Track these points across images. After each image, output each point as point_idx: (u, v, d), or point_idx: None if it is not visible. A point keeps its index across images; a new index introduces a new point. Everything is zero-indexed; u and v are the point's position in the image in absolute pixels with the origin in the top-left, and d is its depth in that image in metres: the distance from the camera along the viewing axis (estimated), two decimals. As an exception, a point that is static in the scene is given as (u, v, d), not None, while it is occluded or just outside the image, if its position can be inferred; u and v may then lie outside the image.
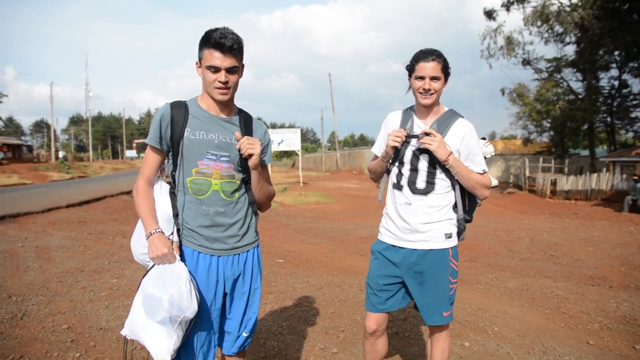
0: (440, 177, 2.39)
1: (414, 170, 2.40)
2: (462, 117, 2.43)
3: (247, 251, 2.22)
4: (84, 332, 3.95)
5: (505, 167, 35.75)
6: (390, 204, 2.53)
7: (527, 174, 25.67)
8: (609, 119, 29.70)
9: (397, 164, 2.47)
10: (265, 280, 5.71)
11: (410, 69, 2.37)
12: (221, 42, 1.93)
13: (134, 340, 2.04)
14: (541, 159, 26.98)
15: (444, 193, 2.41)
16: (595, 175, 21.00)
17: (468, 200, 2.51)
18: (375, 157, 2.63)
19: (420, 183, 2.40)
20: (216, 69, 1.97)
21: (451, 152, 2.29)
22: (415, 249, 2.41)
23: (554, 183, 22.09)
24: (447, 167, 2.32)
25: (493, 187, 2.56)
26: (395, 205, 2.48)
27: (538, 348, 3.78)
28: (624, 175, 20.47)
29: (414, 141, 2.37)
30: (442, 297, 2.43)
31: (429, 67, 2.27)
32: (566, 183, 21.46)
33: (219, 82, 1.98)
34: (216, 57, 1.95)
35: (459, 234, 2.51)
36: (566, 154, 30.04)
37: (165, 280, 1.94)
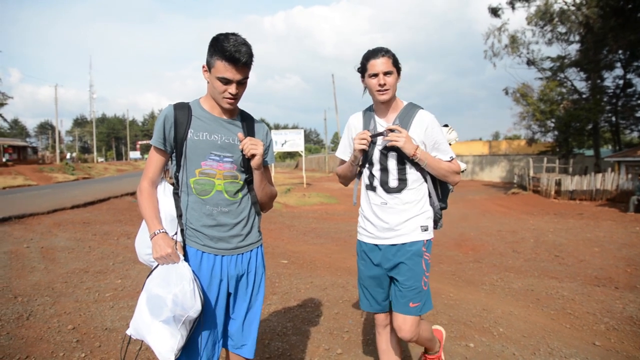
0: (411, 172, 2.43)
1: (384, 169, 2.43)
2: (422, 108, 2.46)
3: (251, 251, 2.23)
4: (89, 333, 3.96)
5: (509, 167, 35.68)
6: (366, 204, 2.55)
7: (531, 174, 25.57)
8: (613, 119, 29.54)
9: (367, 165, 2.50)
10: (269, 281, 5.71)
11: (362, 69, 2.40)
12: (236, 57, 1.93)
13: (139, 340, 2.05)
14: (545, 159, 26.86)
15: (417, 187, 2.45)
16: (600, 175, 20.89)
17: (440, 189, 2.56)
18: (342, 161, 2.65)
19: (393, 182, 2.43)
20: (228, 81, 1.98)
21: (418, 146, 2.33)
22: (393, 244, 2.44)
23: (558, 183, 21.99)
24: (415, 161, 2.35)
25: (462, 171, 2.61)
26: (370, 205, 2.50)
27: (544, 349, 3.76)
28: (630, 175, 20.37)
29: (380, 140, 2.40)
30: (413, 286, 2.42)
31: (380, 63, 2.31)
32: (571, 183, 21.36)
33: (230, 93, 2.00)
34: (229, 71, 1.95)
35: (436, 222, 2.55)
36: (570, 154, 29.90)
37: (169, 280, 1.96)
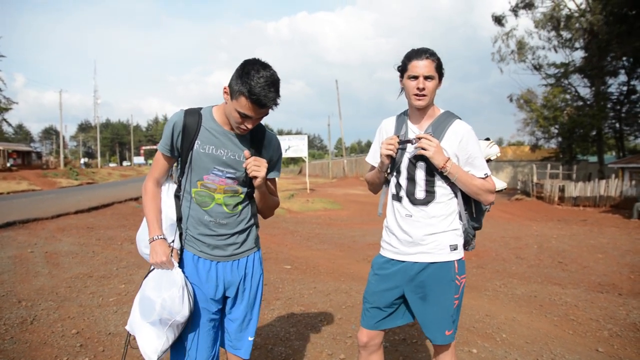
0: (440, 185, 2.24)
1: (411, 179, 2.26)
2: (460, 118, 2.29)
3: (247, 256, 2.24)
4: (92, 337, 3.98)
5: (513, 173, 35.59)
6: (391, 216, 2.38)
7: (535, 180, 25.54)
8: (617, 125, 29.51)
9: (394, 173, 2.33)
10: (272, 286, 5.72)
11: (402, 68, 2.23)
12: (263, 103, 1.87)
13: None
14: (549, 165, 26.81)
15: (446, 201, 2.26)
16: (603, 181, 20.84)
17: (475, 207, 2.35)
18: (372, 167, 2.48)
19: (420, 193, 2.25)
20: (247, 117, 1.93)
21: (448, 159, 2.15)
22: (416, 262, 2.26)
23: (562, 189, 21.95)
24: (445, 174, 2.17)
25: (500, 190, 2.39)
26: (395, 217, 2.33)
27: (546, 355, 3.76)
28: (633, 182, 20.32)
29: (409, 147, 2.23)
30: (445, 314, 2.26)
31: (422, 66, 2.14)
32: (574, 189, 21.32)
33: (246, 126, 1.97)
34: (251, 111, 1.90)
35: (467, 243, 2.36)
36: (574, 160, 29.85)
37: (161, 284, 2.02)
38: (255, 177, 2.03)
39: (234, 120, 1.97)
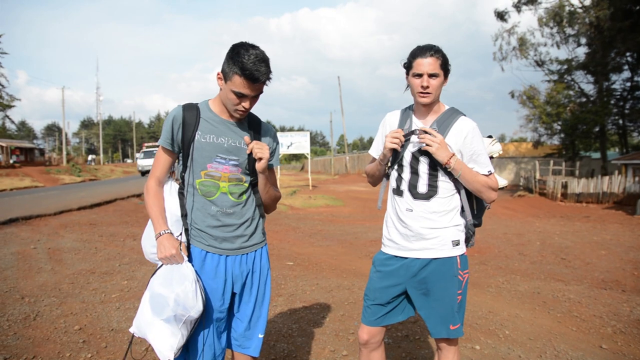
0: (443, 180, 2.23)
1: (415, 173, 2.25)
2: (464, 115, 2.28)
3: (255, 251, 2.24)
4: (95, 333, 3.98)
5: (516, 170, 35.53)
6: (391, 210, 2.38)
7: (538, 176, 25.44)
8: (621, 121, 29.41)
9: (396, 167, 2.32)
10: (275, 283, 5.71)
11: (408, 66, 2.23)
12: (255, 77, 1.92)
13: (144, 340, 2.08)
14: (552, 162, 26.70)
15: (448, 197, 2.25)
16: (607, 178, 20.77)
17: (476, 203, 2.35)
18: (373, 159, 2.48)
19: (422, 187, 2.24)
20: (243, 96, 1.98)
21: (453, 155, 2.14)
22: (418, 258, 2.25)
23: (564, 186, 21.88)
24: (449, 170, 2.17)
25: (502, 187, 2.39)
26: (396, 211, 2.33)
27: (550, 352, 3.75)
28: (637, 178, 20.24)
29: (413, 138, 2.23)
30: (448, 309, 2.26)
31: (426, 64, 2.13)
32: (577, 186, 21.24)
33: (243, 107, 2.01)
34: (246, 88, 1.95)
35: (468, 239, 2.35)
36: (577, 157, 29.76)
37: (172, 279, 1.99)
38: (260, 159, 2.07)
39: (231, 102, 2.01)
